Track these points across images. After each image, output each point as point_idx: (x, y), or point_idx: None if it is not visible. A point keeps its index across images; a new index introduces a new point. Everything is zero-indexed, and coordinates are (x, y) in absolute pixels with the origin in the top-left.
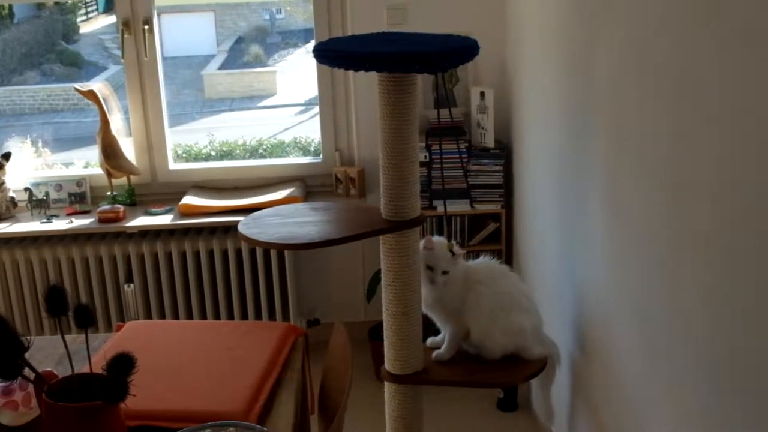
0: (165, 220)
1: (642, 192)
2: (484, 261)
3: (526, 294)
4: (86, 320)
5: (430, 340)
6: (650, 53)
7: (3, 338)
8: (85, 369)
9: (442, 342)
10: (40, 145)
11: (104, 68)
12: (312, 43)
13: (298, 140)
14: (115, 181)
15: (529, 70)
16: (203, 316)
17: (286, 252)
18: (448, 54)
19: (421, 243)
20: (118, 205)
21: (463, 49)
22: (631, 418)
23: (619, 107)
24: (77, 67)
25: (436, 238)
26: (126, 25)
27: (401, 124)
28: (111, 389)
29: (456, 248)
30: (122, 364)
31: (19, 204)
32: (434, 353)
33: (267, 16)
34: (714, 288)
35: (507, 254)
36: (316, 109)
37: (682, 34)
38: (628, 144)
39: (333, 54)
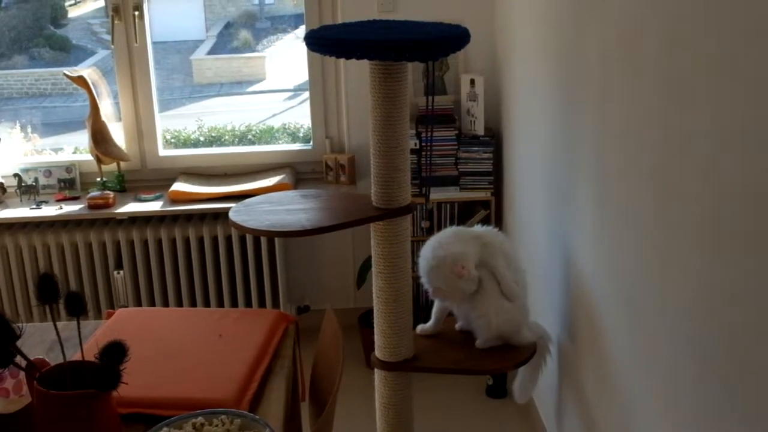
0: (155, 206)
1: (632, 178)
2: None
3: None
4: (77, 308)
5: (419, 328)
6: (640, 40)
7: None
8: (77, 356)
9: (431, 329)
10: (29, 130)
11: (93, 53)
12: (301, 29)
13: (287, 126)
14: (104, 168)
15: (519, 57)
16: (193, 303)
17: (276, 239)
18: (440, 43)
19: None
20: (108, 192)
21: (455, 38)
22: (620, 403)
23: (609, 95)
24: (66, 51)
25: (430, 266)
26: (116, 10)
27: (392, 112)
28: (103, 377)
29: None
30: (115, 352)
31: (9, 190)
32: (419, 327)
33: (256, 1)
34: (704, 276)
35: None
36: (305, 94)
37: (672, 20)
38: (618, 130)
39: (324, 42)
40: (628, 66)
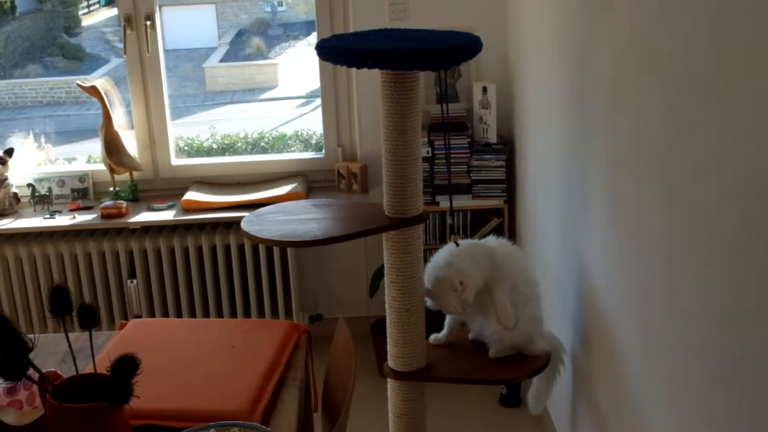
0: (167, 215)
1: (644, 186)
2: (500, 241)
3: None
4: (90, 320)
5: (433, 337)
6: (652, 47)
7: (7, 339)
8: (89, 368)
9: (445, 338)
10: (42, 139)
11: (106, 61)
12: (313, 36)
13: (299, 133)
14: (117, 177)
15: (531, 64)
16: (206, 311)
17: (288, 248)
18: (452, 51)
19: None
20: (121, 201)
21: (467, 46)
22: (634, 413)
23: (621, 101)
24: (79, 60)
25: (434, 270)
26: (128, 20)
27: (404, 121)
28: (115, 391)
29: (460, 240)
30: (126, 366)
31: (22, 200)
32: (432, 336)
33: (268, 9)
34: (716, 284)
35: None
36: (318, 101)
37: (683, 27)
38: (630, 138)
39: (336, 51)
40: (641, 72)
